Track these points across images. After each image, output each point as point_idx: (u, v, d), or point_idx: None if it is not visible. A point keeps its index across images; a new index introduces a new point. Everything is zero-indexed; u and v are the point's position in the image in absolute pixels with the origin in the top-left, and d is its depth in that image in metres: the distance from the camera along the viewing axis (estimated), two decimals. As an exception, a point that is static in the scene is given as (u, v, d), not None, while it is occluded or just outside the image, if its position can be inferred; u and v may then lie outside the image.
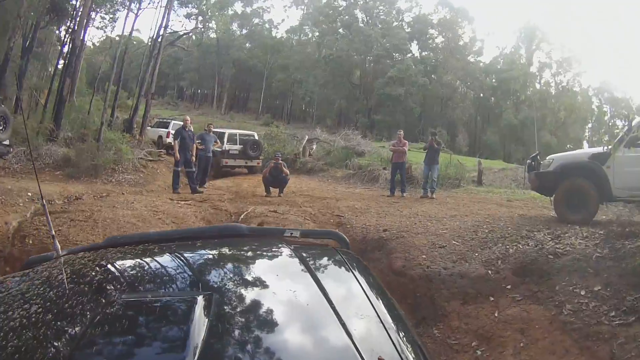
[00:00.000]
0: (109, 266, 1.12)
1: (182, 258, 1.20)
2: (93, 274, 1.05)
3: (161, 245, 1.30)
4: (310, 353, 0.84)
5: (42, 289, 0.98)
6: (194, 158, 9.57)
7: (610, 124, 44.02)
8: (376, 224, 6.27)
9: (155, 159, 14.48)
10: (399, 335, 0.95)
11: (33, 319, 0.84)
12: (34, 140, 12.68)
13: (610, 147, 6.46)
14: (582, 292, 3.49)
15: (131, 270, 1.13)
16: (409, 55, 44.17)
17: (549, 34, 41.28)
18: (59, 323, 0.84)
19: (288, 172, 9.88)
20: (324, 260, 1.28)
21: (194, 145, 9.61)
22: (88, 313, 0.85)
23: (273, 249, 1.33)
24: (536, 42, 42.52)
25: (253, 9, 51.79)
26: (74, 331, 0.81)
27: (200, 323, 0.78)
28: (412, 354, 0.91)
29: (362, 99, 43.75)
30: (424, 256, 4.43)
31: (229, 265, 1.20)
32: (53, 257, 1.24)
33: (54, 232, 1.38)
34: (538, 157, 7.38)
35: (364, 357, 0.78)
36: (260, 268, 1.20)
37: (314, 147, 18.58)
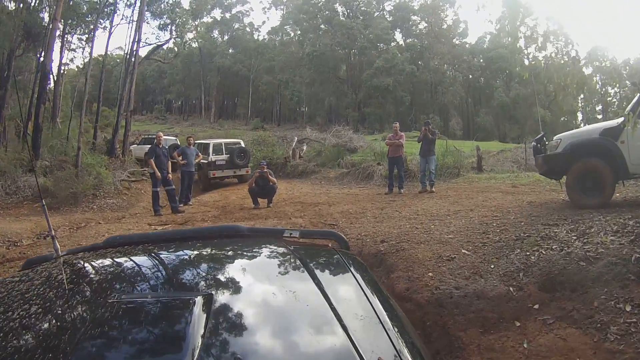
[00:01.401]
0: (109, 266, 1.15)
1: (181, 258, 1.21)
2: (93, 274, 1.10)
3: (160, 245, 1.30)
4: (310, 354, 0.80)
5: (41, 289, 0.98)
6: (170, 175, 9.05)
7: (602, 92, 43.59)
8: (373, 233, 5.61)
9: (138, 179, 13.86)
10: (398, 335, 0.91)
11: (33, 319, 0.83)
12: (12, 172, 12.13)
13: (622, 119, 5.80)
14: (628, 308, 2.79)
15: (130, 271, 1.13)
16: (394, 44, 43.78)
17: (532, 7, 40.61)
18: (58, 323, 0.84)
19: (275, 180, 9.22)
20: (323, 261, 1.27)
21: (169, 163, 9.16)
22: (87, 313, 0.85)
23: (272, 250, 1.31)
24: (520, 18, 41.89)
25: (232, 14, 51.16)
26: (73, 331, 0.79)
27: (199, 323, 0.76)
28: (412, 355, 0.88)
29: (351, 93, 43.17)
30: (430, 274, 3.72)
31: (229, 266, 1.18)
32: (53, 257, 1.25)
33: (53, 233, 1.41)
34: (544, 138, 6.73)
35: (363, 357, 0.75)
36: (259, 268, 1.19)
37: (304, 148, 17.97)
